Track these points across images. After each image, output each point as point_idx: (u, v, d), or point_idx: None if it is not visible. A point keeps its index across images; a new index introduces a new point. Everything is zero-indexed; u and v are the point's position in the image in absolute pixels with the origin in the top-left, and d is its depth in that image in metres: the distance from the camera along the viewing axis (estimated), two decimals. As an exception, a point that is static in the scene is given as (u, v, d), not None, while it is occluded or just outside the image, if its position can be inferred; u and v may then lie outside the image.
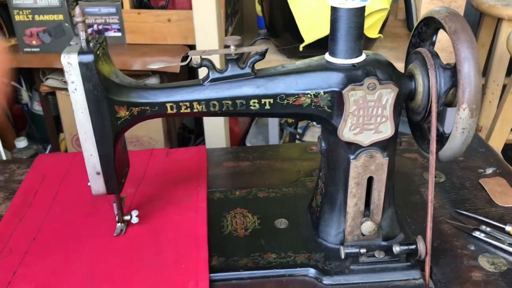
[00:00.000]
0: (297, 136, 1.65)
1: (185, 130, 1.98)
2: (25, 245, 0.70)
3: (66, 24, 1.52)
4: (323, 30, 1.23)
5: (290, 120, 1.68)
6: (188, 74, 1.93)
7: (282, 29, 1.32)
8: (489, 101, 1.65)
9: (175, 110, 0.60)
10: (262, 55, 0.60)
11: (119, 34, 1.58)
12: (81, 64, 0.56)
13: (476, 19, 1.81)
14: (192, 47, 1.57)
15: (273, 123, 1.58)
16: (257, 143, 1.74)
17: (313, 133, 1.69)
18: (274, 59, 1.35)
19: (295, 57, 1.36)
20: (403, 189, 0.79)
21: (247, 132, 1.82)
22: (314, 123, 1.65)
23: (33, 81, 1.85)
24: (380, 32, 1.31)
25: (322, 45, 1.22)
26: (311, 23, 1.23)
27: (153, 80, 1.57)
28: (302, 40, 1.26)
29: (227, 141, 1.58)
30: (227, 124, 1.57)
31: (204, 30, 1.42)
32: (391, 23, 1.59)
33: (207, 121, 1.48)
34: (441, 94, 0.59)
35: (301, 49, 1.27)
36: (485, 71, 1.66)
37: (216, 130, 1.53)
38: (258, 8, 1.42)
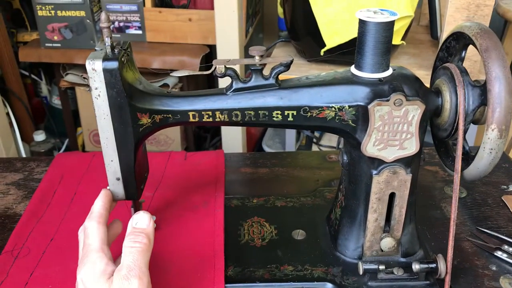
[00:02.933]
0: (314, 140, 1.64)
1: (201, 130, 1.98)
2: (43, 245, 0.70)
3: (88, 21, 1.53)
4: (345, 36, 1.22)
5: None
6: (207, 74, 1.92)
7: (304, 32, 1.31)
8: None
9: (197, 119, 0.60)
10: (287, 66, 0.59)
11: (140, 32, 1.58)
12: (106, 71, 0.55)
13: (500, 26, 1.78)
14: (212, 47, 1.57)
15: (290, 126, 1.57)
16: (273, 145, 1.74)
17: (330, 137, 1.67)
18: (294, 63, 1.32)
19: (315, 61, 1.35)
20: (423, 203, 0.78)
21: (263, 134, 1.82)
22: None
23: (53, 75, 1.87)
24: (403, 38, 1.29)
25: (344, 50, 1.22)
26: (333, 28, 1.22)
27: (171, 80, 1.57)
28: (323, 45, 1.25)
29: (244, 143, 1.58)
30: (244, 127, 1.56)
31: (225, 31, 1.42)
32: (414, 29, 1.57)
33: (225, 123, 1.48)
34: (468, 112, 0.58)
35: (322, 53, 1.26)
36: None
37: (233, 133, 1.52)
38: (280, 10, 1.41)
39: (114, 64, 0.55)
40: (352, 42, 1.21)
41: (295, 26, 1.33)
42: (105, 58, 0.56)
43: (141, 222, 0.56)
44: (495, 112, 0.53)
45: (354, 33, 1.21)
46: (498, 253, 0.68)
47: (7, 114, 1.76)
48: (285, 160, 0.93)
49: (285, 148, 1.61)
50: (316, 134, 1.66)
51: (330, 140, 1.66)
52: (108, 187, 0.64)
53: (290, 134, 1.56)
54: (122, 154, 0.61)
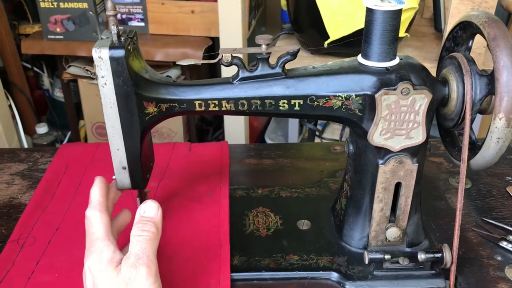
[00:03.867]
0: (317, 133, 1.64)
1: (204, 122, 1.98)
2: (49, 235, 0.70)
3: (91, 13, 1.52)
4: (349, 28, 1.21)
5: (310, 116, 1.67)
6: (209, 66, 1.92)
7: (307, 24, 1.30)
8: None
9: (203, 108, 0.60)
10: (294, 55, 0.59)
11: (142, 24, 1.58)
12: (112, 59, 0.55)
13: (503, 19, 1.77)
14: (215, 39, 1.57)
15: (293, 119, 1.57)
16: (276, 138, 1.74)
17: (333, 130, 1.67)
18: (297, 55, 1.33)
19: (319, 53, 1.34)
20: (428, 194, 0.78)
21: (266, 127, 1.82)
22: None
23: (55, 67, 1.87)
24: (406, 31, 1.29)
25: (347, 42, 1.22)
26: (337, 20, 1.21)
27: (174, 72, 1.57)
28: (327, 37, 1.25)
29: (247, 136, 1.58)
30: (247, 119, 1.56)
31: (228, 23, 1.42)
32: (417, 22, 1.56)
33: (228, 115, 1.48)
34: (475, 102, 0.57)
35: (325, 45, 1.26)
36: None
37: (236, 125, 1.52)
38: (283, 2, 1.41)
39: (120, 52, 0.55)
40: (355, 34, 1.20)
41: (299, 18, 1.32)
42: (112, 46, 0.55)
43: (149, 210, 0.56)
44: (502, 101, 0.53)
45: (358, 25, 1.21)
46: (503, 244, 0.68)
47: (10, 106, 1.76)
48: (289, 151, 0.93)
49: (288, 141, 1.61)
50: (319, 126, 1.66)
51: (333, 133, 1.66)
52: (114, 176, 0.64)
53: (293, 126, 1.56)
54: (128, 143, 0.61)
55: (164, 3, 1.54)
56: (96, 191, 0.59)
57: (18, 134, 1.78)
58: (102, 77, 0.56)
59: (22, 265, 0.65)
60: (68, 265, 0.65)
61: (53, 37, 1.58)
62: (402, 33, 1.27)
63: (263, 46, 0.58)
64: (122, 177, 0.63)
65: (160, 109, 0.59)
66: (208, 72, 1.96)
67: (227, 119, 1.55)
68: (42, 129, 1.85)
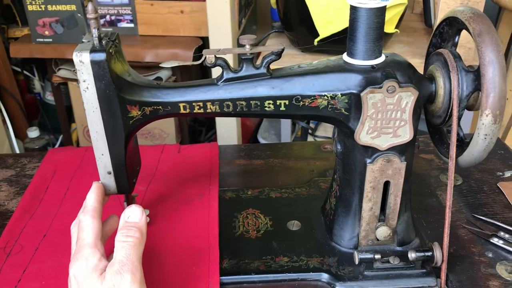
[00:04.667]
0: (309, 131, 1.64)
1: (196, 123, 1.97)
2: (36, 242, 0.69)
3: (79, 15, 1.51)
4: (339, 25, 1.21)
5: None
6: (200, 66, 1.91)
7: (297, 22, 1.29)
8: (507, 98, 1.61)
9: (188, 110, 0.59)
10: (278, 55, 0.58)
11: (132, 25, 1.57)
12: (93, 63, 0.54)
13: (494, 13, 1.77)
14: (205, 39, 1.56)
15: (286, 118, 1.56)
16: (269, 137, 1.73)
17: (326, 128, 1.67)
18: (288, 53, 1.33)
19: (309, 51, 1.33)
20: (418, 191, 0.78)
21: (259, 126, 1.81)
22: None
23: (45, 71, 1.85)
24: (396, 27, 1.28)
25: (337, 39, 1.21)
26: (327, 18, 1.21)
27: (165, 73, 1.56)
28: (317, 34, 1.24)
29: (239, 136, 1.57)
30: (239, 118, 1.55)
31: (218, 22, 1.41)
32: (407, 17, 1.56)
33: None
34: (462, 98, 0.57)
35: (315, 43, 1.25)
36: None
37: (228, 125, 1.51)
38: (272, 0, 1.40)
39: (101, 56, 0.54)
40: (345, 31, 1.18)
41: (288, 16, 1.32)
42: (93, 50, 0.54)
43: (133, 216, 0.55)
44: (489, 97, 0.53)
45: (347, 22, 1.20)
46: (494, 240, 0.68)
47: (0, 111, 1.75)
48: (279, 151, 0.92)
49: (281, 140, 1.61)
50: (312, 125, 1.65)
51: (325, 131, 1.65)
52: (99, 182, 0.64)
53: (286, 125, 1.55)
54: (112, 147, 0.60)
55: (153, 3, 1.53)
56: (92, 197, 0.59)
57: (9, 139, 1.77)
58: (84, 81, 0.56)
59: (9, 273, 0.64)
60: (55, 272, 0.64)
61: (42, 40, 1.57)
62: (392, 29, 1.26)
63: (247, 46, 0.57)
64: (108, 182, 0.62)
65: (144, 112, 0.59)
66: (200, 72, 1.95)
67: (219, 119, 1.54)
68: (33, 133, 1.84)
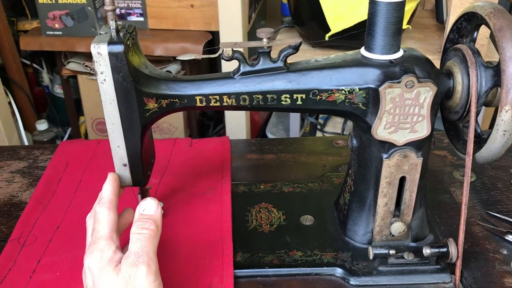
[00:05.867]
0: (318, 127, 1.63)
1: (205, 117, 1.97)
2: (50, 233, 0.70)
3: (89, 8, 1.51)
4: (350, 20, 1.20)
5: (311, 110, 1.65)
6: (209, 60, 1.91)
7: (308, 17, 1.29)
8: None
9: (204, 104, 0.59)
10: (296, 48, 0.58)
11: (142, 19, 1.56)
12: (111, 55, 0.54)
13: (506, 9, 1.75)
14: (215, 33, 1.55)
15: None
16: (277, 132, 1.73)
17: (335, 124, 1.66)
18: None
19: (320, 46, 1.33)
20: (432, 188, 0.77)
21: (267, 121, 1.81)
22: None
23: (54, 63, 1.86)
24: (408, 23, 1.28)
25: (349, 35, 1.21)
26: (338, 13, 1.20)
27: (174, 67, 1.56)
28: (328, 29, 1.23)
29: (248, 131, 1.57)
30: (248, 113, 1.55)
31: (228, 17, 1.40)
32: (419, 13, 1.55)
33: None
34: (481, 94, 0.57)
35: (327, 38, 1.25)
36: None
37: (237, 120, 1.51)
38: (283, -5, 1.40)
39: (119, 48, 0.54)
40: (357, 26, 1.19)
41: (299, 11, 1.31)
42: (111, 42, 0.54)
43: (149, 208, 0.55)
44: (509, 93, 0.52)
45: (359, 17, 1.20)
46: (509, 237, 0.67)
47: (9, 103, 1.75)
48: (291, 146, 0.92)
49: (289, 135, 1.60)
50: (320, 120, 1.65)
51: (334, 127, 1.65)
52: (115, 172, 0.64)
53: (294, 120, 1.55)
54: (128, 139, 0.60)
55: (163, -3, 1.53)
56: (108, 188, 0.59)
57: (18, 131, 1.77)
58: (101, 73, 0.56)
59: (23, 264, 0.64)
60: (69, 263, 0.64)
61: (51, 33, 1.57)
62: (404, 25, 1.25)
63: (264, 40, 0.57)
64: (123, 174, 0.62)
65: (160, 105, 0.59)
66: (208, 67, 1.94)
67: (228, 113, 1.54)
68: (42, 125, 1.84)
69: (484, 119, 1.37)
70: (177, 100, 0.58)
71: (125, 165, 0.62)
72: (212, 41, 1.59)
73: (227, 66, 1.23)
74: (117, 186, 0.60)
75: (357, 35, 1.18)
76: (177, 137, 1.66)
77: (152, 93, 0.58)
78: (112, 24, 0.55)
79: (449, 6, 1.26)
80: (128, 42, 0.56)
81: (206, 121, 1.96)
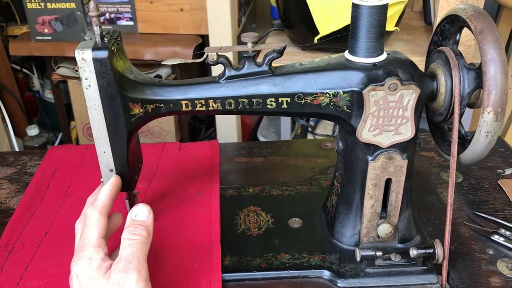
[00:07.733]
0: (309, 129, 1.64)
1: (196, 121, 1.97)
2: (37, 239, 0.69)
3: (78, 13, 1.51)
4: (339, 23, 1.21)
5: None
6: (200, 64, 1.91)
7: (297, 20, 1.29)
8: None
9: (190, 108, 0.59)
10: (280, 52, 0.58)
11: (131, 23, 1.56)
12: (95, 60, 0.54)
13: (493, 11, 1.77)
14: (205, 37, 1.56)
15: (285, 115, 1.56)
16: (268, 135, 1.73)
17: (325, 126, 1.67)
18: (287, 51, 1.32)
19: (309, 49, 1.34)
20: (419, 189, 0.78)
21: (258, 124, 1.81)
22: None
23: (44, 68, 1.85)
24: (396, 25, 1.28)
25: (337, 37, 1.22)
26: (327, 15, 1.21)
27: (164, 71, 1.56)
28: (317, 32, 1.24)
29: (239, 134, 1.57)
30: (239, 116, 1.55)
31: (218, 20, 1.41)
32: (407, 15, 1.56)
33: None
34: (464, 96, 0.57)
35: (315, 41, 1.25)
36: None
37: (228, 123, 1.51)
38: (272, -2, 1.40)
39: (104, 54, 0.54)
40: (345, 29, 1.20)
41: (288, 14, 1.32)
42: (95, 48, 0.55)
43: (141, 214, 0.55)
44: (490, 94, 0.53)
45: (347, 20, 1.20)
46: (495, 237, 0.68)
47: (-1, 109, 1.74)
48: (280, 149, 0.92)
49: (280, 138, 1.61)
50: (311, 123, 1.65)
51: (325, 129, 1.66)
52: (101, 179, 0.64)
53: (285, 123, 1.55)
54: (114, 145, 0.60)
55: (153, 1, 1.53)
56: (106, 192, 0.58)
57: (9, 137, 1.77)
58: (86, 79, 0.56)
59: (11, 270, 0.64)
60: (57, 270, 0.64)
61: (41, 38, 1.56)
62: (392, 27, 1.26)
63: (249, 44, 0.57)
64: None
65: (146, 110, 0.59)
66: (199, 71, 1.94)
67: (219, 117, 1.54)
68: (33, 131, 1.84)
69: (473, 120, 1.38)
70: (162, 105, 0.59)
71: (111, 170, 0.62)
72: (202, 44, 1.59)
73: (217, 70, 1.24)
74: (115, 192, 0.59)
75: (346, 37, 1.16)
76: (168, 141, 1.66)
77: (138, 98, 0.58)
78: (96, 29, 0.55)
79: (437, 8, 1.27)
80: (112, 48, 0.56)
81: (197, 124, 1.96)
